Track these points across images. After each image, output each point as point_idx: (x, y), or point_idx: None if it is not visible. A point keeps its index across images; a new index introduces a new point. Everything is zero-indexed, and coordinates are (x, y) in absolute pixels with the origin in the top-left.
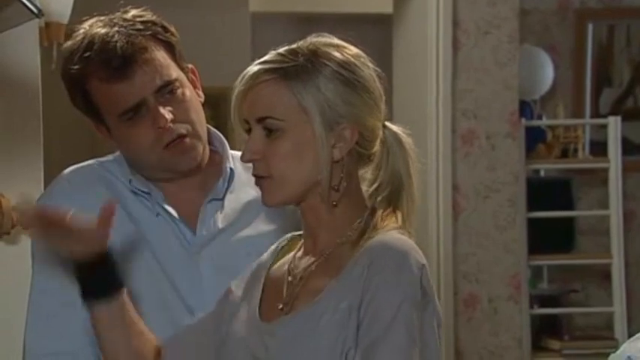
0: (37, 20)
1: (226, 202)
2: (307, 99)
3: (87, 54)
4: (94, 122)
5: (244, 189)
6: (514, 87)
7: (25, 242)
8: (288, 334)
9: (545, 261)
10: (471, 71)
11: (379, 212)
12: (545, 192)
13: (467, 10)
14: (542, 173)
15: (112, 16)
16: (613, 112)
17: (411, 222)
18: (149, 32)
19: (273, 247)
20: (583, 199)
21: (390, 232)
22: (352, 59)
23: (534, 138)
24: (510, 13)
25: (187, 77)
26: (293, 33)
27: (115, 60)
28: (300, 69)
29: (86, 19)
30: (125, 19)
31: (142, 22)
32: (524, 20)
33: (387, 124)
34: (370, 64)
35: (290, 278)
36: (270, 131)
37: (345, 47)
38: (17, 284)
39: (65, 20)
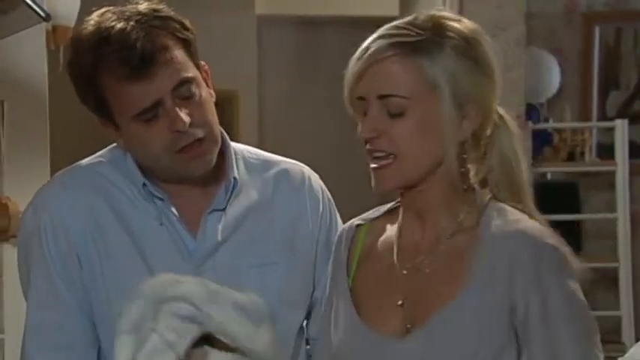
0: (44, 24)
1: (228, 209)
2: (438, 75)
3: (102, 49)
4: (100, 120)
5: (246, 191)
6: (521, 90)
7: None
8: (424, 343)
9: None
10: None
11: (491, 194)
12: (551, 195)
13: (473, 13)
14: (548, 176)
15: (124, 9)
16: (620, 115)
17: (526, 204)
18: (168, 29)
19: (337, 240)
20: (590, 203)
21: (519, 216)
22: (473, 33)
23: (541, 141)
24: (517, 15)
25: (201, 75)
26: (299, 36)
27: (134, 59)
28: (426, 43)
29: (94, 10)
30: (140, 13)
31: (159, 18)
32: (531, 23)
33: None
34: (488, 38)
35: (405, 271)
36: (392, 110)
37: (463, 21)
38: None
39: (72, 23)
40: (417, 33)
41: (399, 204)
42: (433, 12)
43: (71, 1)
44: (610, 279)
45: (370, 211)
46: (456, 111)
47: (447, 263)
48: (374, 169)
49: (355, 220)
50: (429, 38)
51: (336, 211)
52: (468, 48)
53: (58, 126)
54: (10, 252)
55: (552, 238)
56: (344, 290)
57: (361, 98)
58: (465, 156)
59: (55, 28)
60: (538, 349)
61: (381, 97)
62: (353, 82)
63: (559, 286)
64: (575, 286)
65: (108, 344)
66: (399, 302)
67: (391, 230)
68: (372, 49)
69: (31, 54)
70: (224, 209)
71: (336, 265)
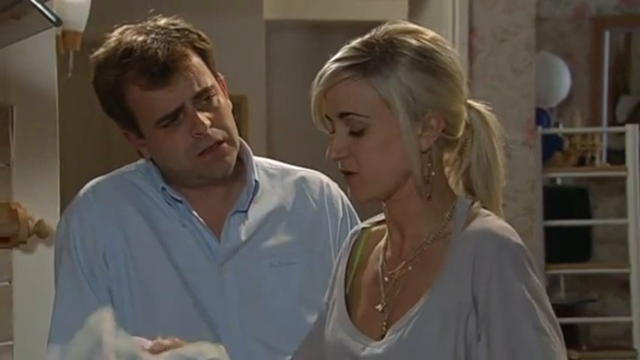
0: (54, 29)
1: (250, 212)
2: (389, 92)
3: (125, 60)
4: (123, 129)
5: (267, 197)
6: (530, 95)
7: (41, 251)
8: (395, 341)
9: (562, 270)
10: (487, 79)
11: (470, 200)
12: (562, 200)
13: (483, 18)
14: (558, 181)
15: (144, 24)
16: (630, 120)
17: (498, 203)
18: (186, 39)
19: (344, 243)
20: (600, 208)
21: (487, 217)
22: (430, 44)
23: (551, 146)
24: (526, 20)
25: (219, 85)
26: (307, 40)
27: (156, 67)
28: (378, 62)
29: (115, 28)
30: (159, 27)
31: (177, 30)
32: (541, 27)
33: (470, 102)
34: (448, 47)
35: (386, 279)
36: (353, 128)
37: (421, 32)
38: (34, 292)
39: (81, 29)
40: (367, 53)
41: None
42: (389, 27)
43: (81, 7)
44: (621, 284)
45: (379, 215)
46: (414, 123)
47: (423, 269)
48: (347, 184)
49: (362, 224)
50: (380, 57)
51: (358, 219)
52: (422, 60)
53: (67, 131)
54: (20, 258)
55: (515, 236)
56: (340, 294)
57: (327, 117)
58: (429, 164)
59: (64, 34)
60: (499, 337)
61: (341, 115)
62: (315, 105)
63: (520, 279)
64: (538, 282)
65: None
66: (380, 308)
67: (384, 238)
68: (328, 74)
69: (41, 59)
70: (246, 211)
71: (338, 268)
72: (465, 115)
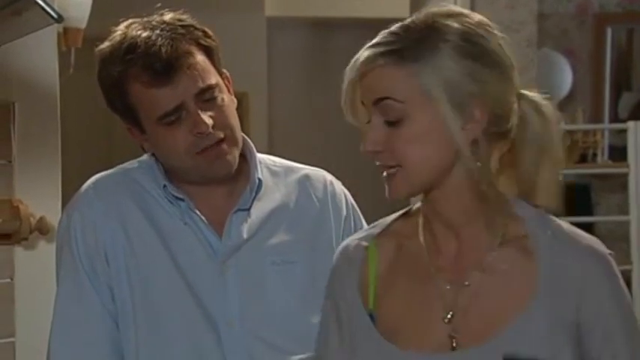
0: (55, 25)
1: (252, 210)
2: (429, 81)
3: (129, 56)
4: (127, 124)
5: (270, 195)
6: (532, 91)
7: (43, 248)
8: (493, 351)
9: None
10: None
11: (526, 201)
12: (563, 197)
13: (485, 14)
14: (560, 178)
15: (149, 19)
16: (632, 117)
17: (553, 195)
18: (191, 36)
19: (341, 260)
20: (602, 205)
21: (577, 230)
22: (475, 29)
23: None
24: (529, 16)
25: (224, 82)
26: (309, 37)
27: (158, 64)
28: (416, 48)
29: (121, 21)
30: (165, 22)
31: (183, 26)
32: (543, 24)
33: (523, 92)
34: (496, 32)
35: (448, 286)
36: (390, 118)
37: (465, 15)
38: (36, 289)
39: (83, 25)
40: (405, 38)
41: (403, 214)
42: (430, 10)
43: (82, 4)
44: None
45: (369, 228)
46: (457, 113)
47: (499, 277)
48: (384, 178)
49: (360, 241)
50: (421, 44)
51: (362, 217)
52: (468, 46)
53: (68, 127)
54: (22, 255)
55: (605, 247)
56: (360, 314)
57: (363, 103)
58: (475, 158)
59: (66, 30)
60: (626, 355)
61: (377, 101)
62: (347, 92)
63: (625, 294)
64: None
65: (127, 343)
66: (447, 318)
67: (412, 243)
68: (362, 60)
69: (42, 56)
70: (249, 209)
71: (342, 287)
72: (516, 105)
